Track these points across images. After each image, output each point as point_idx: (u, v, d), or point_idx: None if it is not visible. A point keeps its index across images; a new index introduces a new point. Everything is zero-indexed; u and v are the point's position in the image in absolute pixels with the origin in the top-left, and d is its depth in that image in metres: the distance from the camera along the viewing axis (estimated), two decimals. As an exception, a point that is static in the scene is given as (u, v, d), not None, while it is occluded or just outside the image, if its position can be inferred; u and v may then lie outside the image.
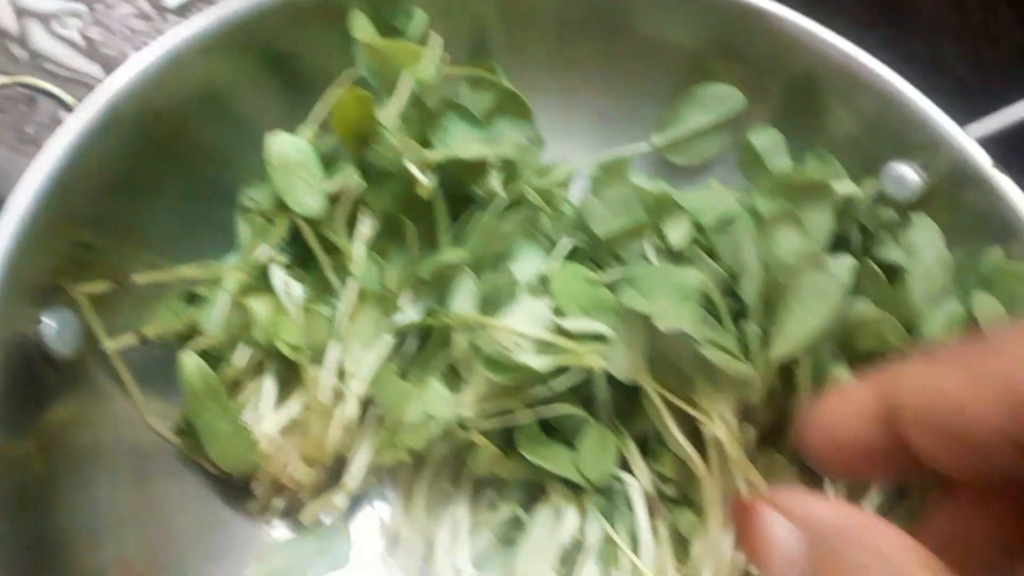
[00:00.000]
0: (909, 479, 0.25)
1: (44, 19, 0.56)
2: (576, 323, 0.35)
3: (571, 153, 0.47)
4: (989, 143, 0.39)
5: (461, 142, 0.42)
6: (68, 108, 0.48)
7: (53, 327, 0.34)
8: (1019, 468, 0.19)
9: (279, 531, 0.40)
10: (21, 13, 0.55)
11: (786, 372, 0.35)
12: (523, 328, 0.35)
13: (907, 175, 0.40)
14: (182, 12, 0.56)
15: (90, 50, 0.55)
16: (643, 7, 0.46)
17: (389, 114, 0.37)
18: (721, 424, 0.30)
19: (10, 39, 0.55)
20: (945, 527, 0.23)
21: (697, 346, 0.29)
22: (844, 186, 0.37)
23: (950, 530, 0.23)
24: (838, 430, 0.23)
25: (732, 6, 0.45)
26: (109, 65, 0.55)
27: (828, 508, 0.21)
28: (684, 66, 0.47)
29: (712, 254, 0.37)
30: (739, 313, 0.35)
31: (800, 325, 0.31)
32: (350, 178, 0.38)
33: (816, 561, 0.19)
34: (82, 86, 0.54)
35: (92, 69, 0.55)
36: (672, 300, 0.28)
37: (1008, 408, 0.19)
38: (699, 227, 0.39)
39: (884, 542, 0.18)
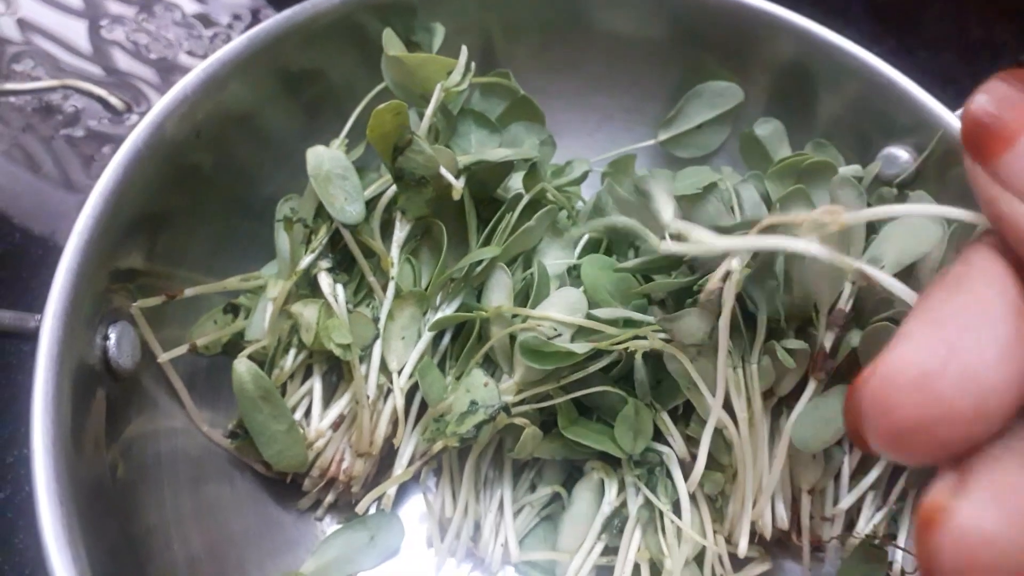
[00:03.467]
0: None
1: (90, 25, 0.58)
2: (610, 310, 0.37)
3: (580, 153, 0.50)
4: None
5: (481, 147, 0.44)
6: (115, 111, 0.50)
7: (115, 341, 0.35)
8: None
9: (329, 525, 0.42)
10: (67, 19, 0.57)
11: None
12: (562, 316, 0.37)
13: (899, 155, 0.43)
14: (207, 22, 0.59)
15: (136, 55, 0.57)
16: (611, 7, 0.49)
17: (422, 124, 0.39)
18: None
19: (57, 44, 0.57)
20: None
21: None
22: (846, 167, 0.40)
23: None
24: None
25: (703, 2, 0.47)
26: (144, 73, 0.57)
27: None
28: (679, 64, 0.50)
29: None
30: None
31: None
32: (384, 185, 0.40)
33: None
34: (128, 90, 0.56)
35: (140, 74, 0.57)
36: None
37: None
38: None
39: None
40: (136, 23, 0.59)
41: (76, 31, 0.59)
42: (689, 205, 0.35)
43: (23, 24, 0.58)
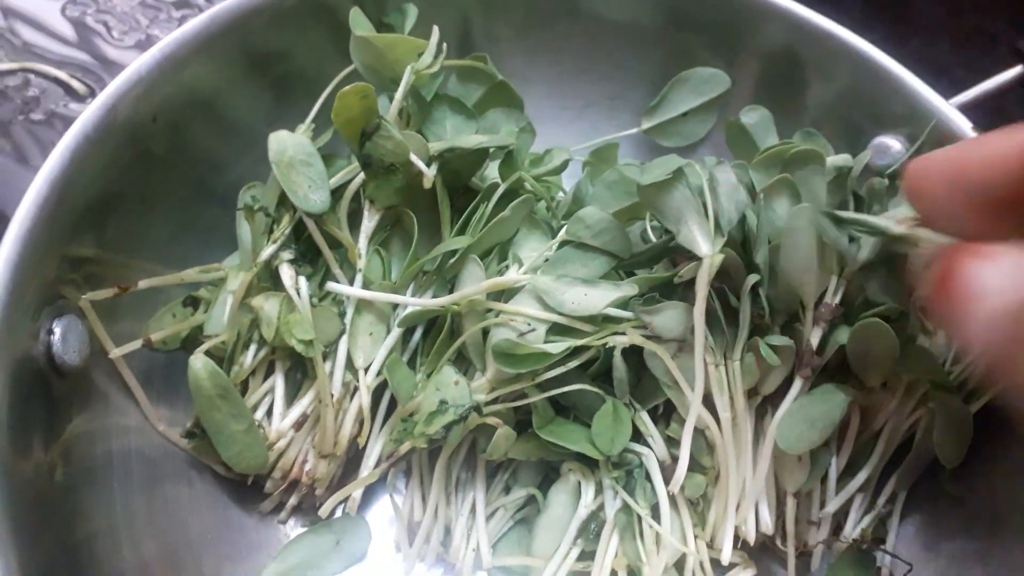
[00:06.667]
0: None
1: (52, 8, 0.56)
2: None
3: (561, 141, 0.48)
4: (970, 111, 0.40)
5: (457, 133, 0.42)
6: (75, 94, 0.47)
7: (60, 336, 0.33)
8: None
9: (293, 528, 0.41)
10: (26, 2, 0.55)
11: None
12: (536, 312, 0.35)
13: (891, 145, 0.41)
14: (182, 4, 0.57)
15: (96, 39, 0.55)
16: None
17: (391, 108, 0.37)
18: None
19: (20, 23, 0.55)
20: None
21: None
22: (835, 157, 0.39)
23: None
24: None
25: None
26: (113, 54, 0.55)
27: None
28: (665, 49, 0.48)
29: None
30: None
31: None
32: (352, 173, 0.38)
33: None
34: (88, 73, 0.53)
35: (106, 55, 0.55)
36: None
37: None
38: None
39: None
40: (102, 4, 0.57)
41: (41, 11, 0.56)
42: (655, 193, 0.33)
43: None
